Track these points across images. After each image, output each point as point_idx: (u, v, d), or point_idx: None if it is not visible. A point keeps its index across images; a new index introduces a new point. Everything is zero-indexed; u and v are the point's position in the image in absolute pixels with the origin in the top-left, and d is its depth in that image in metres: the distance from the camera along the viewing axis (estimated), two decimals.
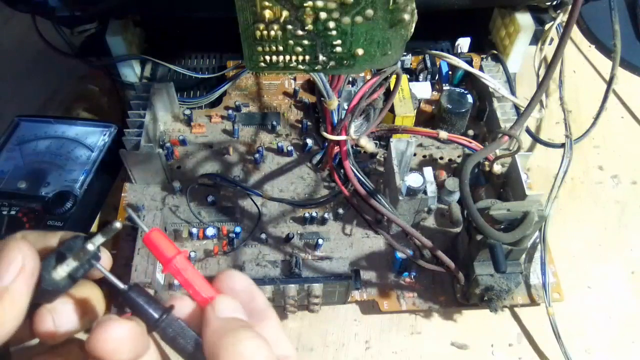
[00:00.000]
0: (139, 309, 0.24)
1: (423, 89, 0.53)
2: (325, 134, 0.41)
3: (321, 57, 0.29)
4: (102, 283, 0.25)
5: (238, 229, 0.45)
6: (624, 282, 0.46)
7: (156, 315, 0.23)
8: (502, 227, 0.36)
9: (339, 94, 0.43)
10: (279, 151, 0.50)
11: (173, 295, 0.26)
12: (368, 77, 0.46)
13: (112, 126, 0.51)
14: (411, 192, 0.41)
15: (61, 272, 0.23)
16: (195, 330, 0.24)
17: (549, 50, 0.53)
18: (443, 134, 0.43)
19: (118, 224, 0.24)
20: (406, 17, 0.27)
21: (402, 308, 0.43)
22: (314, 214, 0.46)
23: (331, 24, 0.27)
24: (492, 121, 0.50)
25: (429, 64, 0.54)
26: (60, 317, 0.23)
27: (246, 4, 0.26)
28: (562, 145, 0.48)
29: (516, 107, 0.49)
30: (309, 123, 0.51)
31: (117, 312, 0.42)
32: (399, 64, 0.53)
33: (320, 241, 0.44)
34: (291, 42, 0.28)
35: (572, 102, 0.56)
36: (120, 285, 0.24)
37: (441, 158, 0.50)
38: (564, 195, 0.50)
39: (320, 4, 0.26)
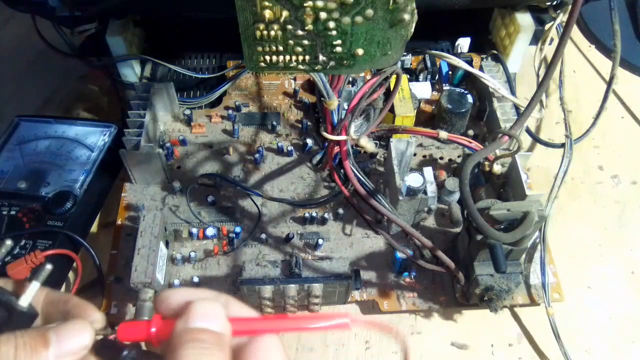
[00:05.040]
0: None
1: (423, 89, 0.53)
2: (325, 134, 0.41)
3: (321, 57, 0.29)
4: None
5: (238, 229, 0.45)
6: (624, 282, 0.46)
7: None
8: (502, 227, 0.36)
9: (339, 94, 0.43)
10: (279, 151, 0.50)
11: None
12: (368, 77, 0.46)
13: (112, 126, 0.51)
14: (411, 192, 0.41)
15: None
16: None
17: (549, 50, 0.53)
18: (443, 134, 0.43)
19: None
20: (406, 17, 0.27)
21: (402, 308, 0.43)
22: (314, 214, 0.46)
23: (331, 24, 0.27)
24: (492, 121, 0.50)
25: (429, 64, 0.54)
26: None
27: (246, 4, 0.26)
28: (562, 145, 0.48)
29: (516, 107, 0.49)
30: (309, 123, 0.51)
31: (117, 313, 0.42)
32: (399, 64, 0.53)
33: (320, 241, 0.44)
34: (291, 42, 0.28)
35: (572, 102, 0.56)
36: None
37: (441, 158, 0.50)
38: (564, 195, 0.50)
39: (320, 4, 0.26)
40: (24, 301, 0.24)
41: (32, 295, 0.24)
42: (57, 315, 0.26)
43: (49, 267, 0.25)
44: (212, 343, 0.23)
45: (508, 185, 0.44)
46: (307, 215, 0.46)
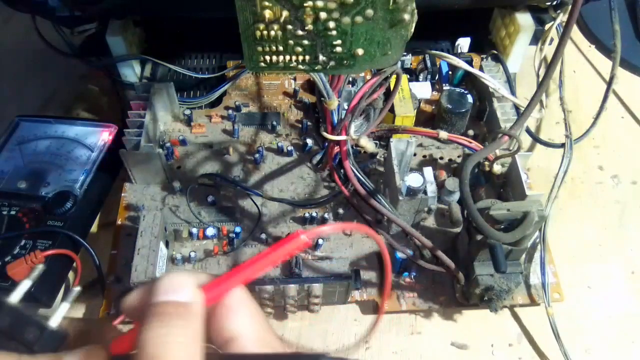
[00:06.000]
0: None
1: (423, 89, 0.53)
2: (325, 134, 0.41)
3: (321, 57, 0.29)
4: None
5: (238, 229, 0.45)
6: (624, 282, 0.46)
7: None
8: (502, 227, 0.36)
9: (339, 94, 0.43)
10: (279, 151, 0.50)
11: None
12: (368, 77, 0.46)
13: (112, 126, 0.51)
14: (411, 192, 0.41)
15: None
16: None
17: (549, 50, 0.53)
18: (443, 134, 0.43)
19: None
20: (406, 17, 0.27)
21: (402, 308, 0.43)
22: (314, 214, 0.46)
23: (331, 24, 0.27)
24: (492, 121, 0.50)
25: (429, 64, 0.54)
26: None
27: (246, 4, 0.27)
28: (562, 145, 0.48)
29: (516, 107, 0.49)
30: (309, 123, 0.51)
31: (116, 313, 0.42)
32: (399, 64, 0.53)
33: (320, 241, 0.44)
34: (291, 42, 0.28)
35: (572, 102, 0.56)
36: None
37: (441, 158, 0.50)
38: (564, 195, 0.50)
39: (320, 4, 0.26)
40: (53, 321, 0.25)
41: (62, 315, 0.25)
42: (78, 335, 0.26)
43: (77, 288, 0.26)
44: (177, 315, 0.21)
45: (508, 185, 0.44)
46: (307, 215, 0.46)
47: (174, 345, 0.21)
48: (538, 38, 0.53)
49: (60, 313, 0.25)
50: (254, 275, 0.24)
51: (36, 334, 0.24)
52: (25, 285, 0.25)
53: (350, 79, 0.51)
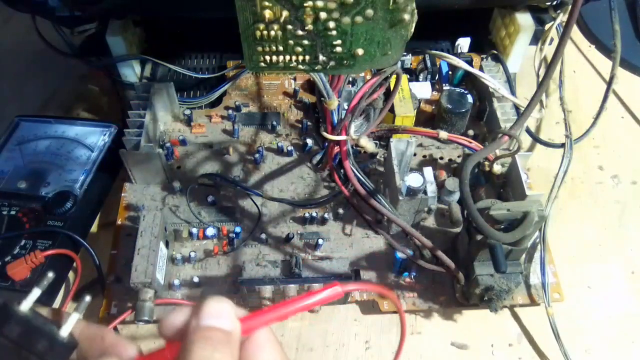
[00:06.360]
0: None
1: (423, 89, 0.53)
2: (325, 134, 0.41)
3: (321, 57, 0.29)
4: None
5: (238, 229, 0.45)
6: (624, 282, 0.46)
7: None
8: (502, 227, 0.36)
9: (339, 94, 0.43)
10: (279, 151, 0.50)
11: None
12: (368, 77, 0.46)
13: (112, 126, 0.51)
14: (411, 192, 0.41)
15: None
16: None
17: (549, 50, 0.53)
18: (443, 134, 0.43)
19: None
20: (406, 17, 0.27)
21: (402, 308, 0.43)
22: (314, 214, 0.46)
23: (331, 24, 0.27)
24: (492, 121, 0.50)
25: (429, 64, 0.54)
26: None
27: (246, 4, 0.27)
28: (562, 145, 0.48)
29: (516, 107, 0.49)
30: (309, 123, 0.51)
31: (116, 313, 0.42)
32: (399, 64, 0.53)
33: (320, 241, 0.44)
34: (291, 42, 0.28)
35: (572, 102, 0.56)
36: None
37: (441, 158, 0.50)
38: (564, 195, 0.50)
39: (320, 4, 0.26)
40: (64, 331, 0.24)
41: (72, 325, 0.25)
42: (93, 351, 0.26)
43: (88, 299, 0.26)
44: (222, 341, 0.23)
45: (508, 185, 0.44)
46: (307, 215, 0.46)
47: None
48: (538, 38, 0.53)
49: (71, 323, 0.25)
50: (286, 317, 0.25)
51: (47, 345, 0.24)
52: (35, 294, 0.24)
53: (350, 79, 0.51)
